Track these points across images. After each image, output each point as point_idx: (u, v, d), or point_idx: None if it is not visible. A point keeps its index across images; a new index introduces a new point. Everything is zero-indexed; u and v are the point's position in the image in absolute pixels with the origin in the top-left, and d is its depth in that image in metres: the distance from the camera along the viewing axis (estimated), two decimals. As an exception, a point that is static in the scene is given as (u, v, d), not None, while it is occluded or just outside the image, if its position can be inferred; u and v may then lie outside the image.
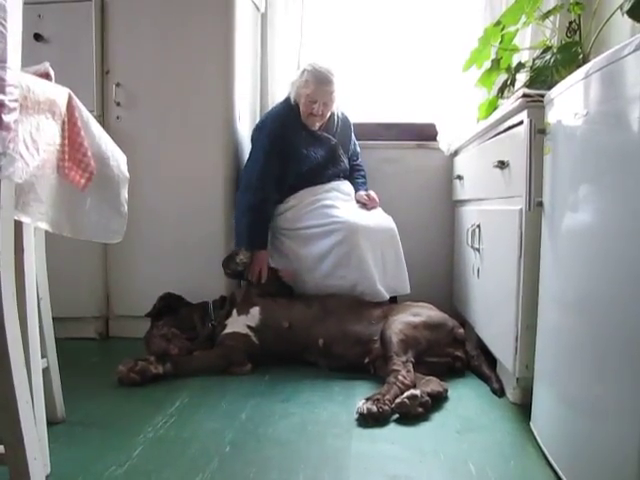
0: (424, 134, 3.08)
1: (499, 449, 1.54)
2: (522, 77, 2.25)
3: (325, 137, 2.70)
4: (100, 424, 1.70)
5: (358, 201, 2.71)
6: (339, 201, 2.63)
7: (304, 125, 2.63)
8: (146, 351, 2.23)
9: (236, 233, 2.59)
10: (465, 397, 1.93)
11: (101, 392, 1.96)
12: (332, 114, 2.71)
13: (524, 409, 1.74)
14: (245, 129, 2.80)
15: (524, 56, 2.47)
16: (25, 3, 1.06)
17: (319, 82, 2.54)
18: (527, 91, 1.66)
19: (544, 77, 1.96)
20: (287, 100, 2.67)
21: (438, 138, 2.99)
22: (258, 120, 2.81)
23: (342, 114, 2.78)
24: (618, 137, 1.07)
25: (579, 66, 1.45)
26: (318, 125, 2.66)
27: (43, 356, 1.57)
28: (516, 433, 1.63)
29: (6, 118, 0.99)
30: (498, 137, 2.03)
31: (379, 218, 2.60)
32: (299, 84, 2.59)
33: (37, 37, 2.57)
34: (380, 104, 3.21)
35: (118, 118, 2.64)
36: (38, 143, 1.22)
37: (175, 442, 1.57)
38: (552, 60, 1.96)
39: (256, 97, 3.06)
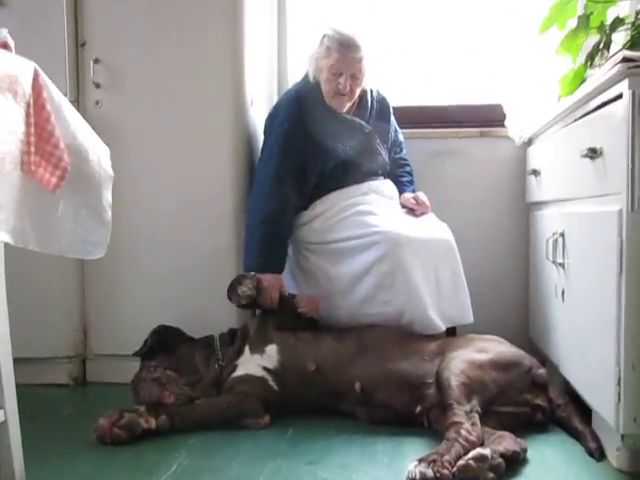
0: (488, 118, 3.08)
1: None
2: (620, 38, 2.19)
3: (357, 123, 2.68)
4: (75, 494, 1.69)
5: (404, 206, 2.70)
6: (379, 206, 2.61)
7: (329, 109, 2.61)
8: (134, 400, 2.23)
9: (246, 250, 2.58)
10: (550, 459, 1.87)
11: (75, 452, 1.95)
12: (364, 93, 2.68)
13: (634, 478, 1.68)
14: (260, 116, 2.81)
15: (623, 9, 2.40)
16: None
17: (343, 48, 2.51)
18: (629, 54, 1.62)
19: (651, 36, 1.93)
20: (305, 79, 2.66)
21: (507, 123, 2.99)
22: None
23: (378, 93, 2.76)
24: None
25: (698, 20, 1.40)
26: (347, 106, 2.63)
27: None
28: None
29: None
30: (588, 117, 1.99)
31: (431, 227, 2.58)
32: (319, 54, 2.57)
33: (-8, 0, 2.62)
34: (430, 83, 3.22)
35: (97, 103, 2.66)
36: (-5, 131, 1.22)
37: (172, 518, 1.56)
38: (663, 13, 1.93)
39: (273, 76, 3.10)
